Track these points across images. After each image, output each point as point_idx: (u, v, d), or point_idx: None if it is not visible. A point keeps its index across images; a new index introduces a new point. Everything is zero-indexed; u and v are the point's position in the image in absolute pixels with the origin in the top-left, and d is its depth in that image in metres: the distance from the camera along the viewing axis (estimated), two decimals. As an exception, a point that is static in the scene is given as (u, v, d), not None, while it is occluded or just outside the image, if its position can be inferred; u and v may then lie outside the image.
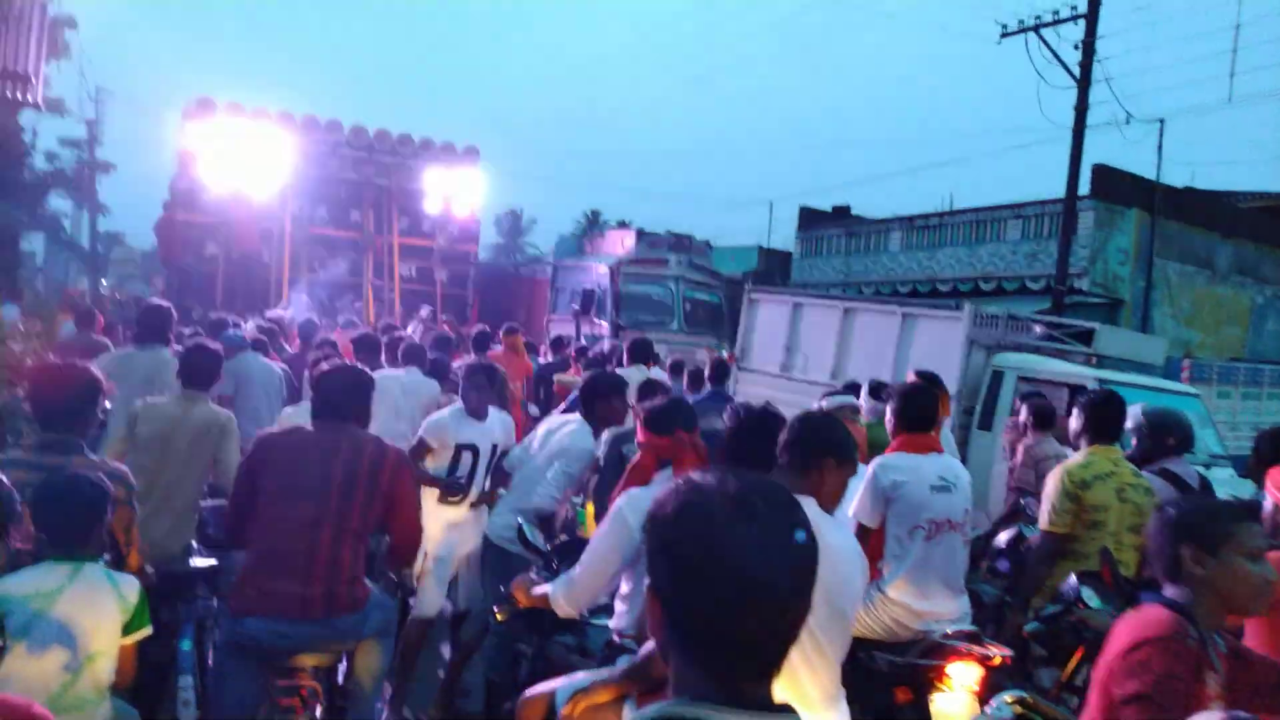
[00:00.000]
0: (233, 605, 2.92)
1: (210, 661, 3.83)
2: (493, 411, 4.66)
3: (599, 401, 4.20)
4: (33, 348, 9.05)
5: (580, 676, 2.51)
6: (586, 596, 2.85)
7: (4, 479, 2.09)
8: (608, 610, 2.98)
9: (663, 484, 2.39)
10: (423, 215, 16.27)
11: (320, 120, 15.19)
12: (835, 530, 2.34)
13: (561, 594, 2.83)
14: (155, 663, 3.39)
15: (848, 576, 2.29)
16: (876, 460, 3.61)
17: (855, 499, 3.53)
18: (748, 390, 10.14)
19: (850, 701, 2.32)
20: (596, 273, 15.13)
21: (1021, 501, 5.16)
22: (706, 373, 8.12)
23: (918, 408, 3.72)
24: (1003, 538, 4.86)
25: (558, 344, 10.84)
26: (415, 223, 16.43)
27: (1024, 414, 5.60)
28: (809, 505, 2.25)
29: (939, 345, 8.31)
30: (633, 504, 2.72)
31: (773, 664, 1.12)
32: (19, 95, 4.69)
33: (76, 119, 27.17)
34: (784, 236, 24.92)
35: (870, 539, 3.49)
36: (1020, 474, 5.42)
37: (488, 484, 4.60)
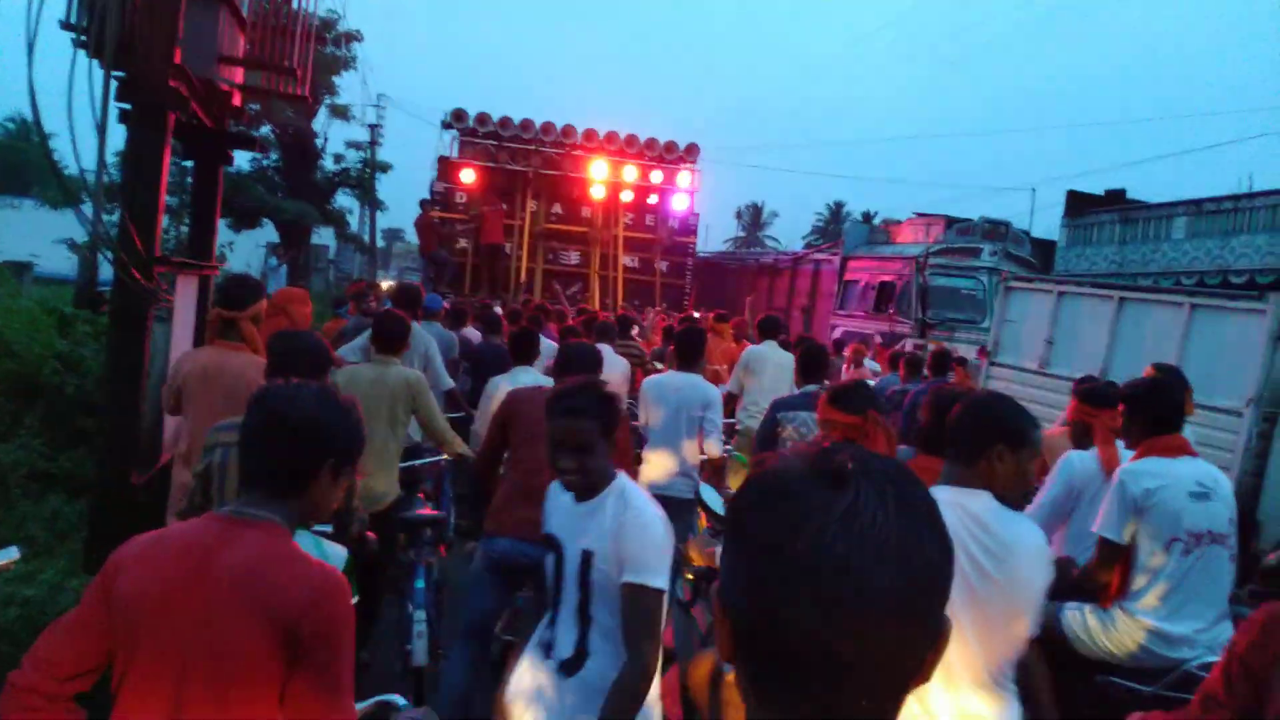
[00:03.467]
0: (487, 528, 3.57)
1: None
2: None
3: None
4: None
5: None
6: None
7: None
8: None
9: None
10: (645, 210, 16.71)
11: (555, 126, 15.95)
12: (1015, 524, 2.10)
13: None
14: (363, 611, 3.75)
15: (1030, 577, 2.06)
16: (1123, 467, 3.20)
17: (1100, 512, 3.15)
18: (998, 388, 9.40)
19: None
20: (897, 265, 14.03)
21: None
22: (926, 362, 7.74)
23: (1162, 405, 3.25)
24: (1275, 558, 4.23)
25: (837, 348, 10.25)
26: (639, 217, 16.87)
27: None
28: (981, 499, 2.08)
29: (1235, 342, 7.20)
30: None
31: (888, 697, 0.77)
32: (286, 88, 5.22)
33: (360, 123, 30.54)
34: (1048, 224, 22.89)
35: (1118, 556, 3.09)
36: None
37: None
